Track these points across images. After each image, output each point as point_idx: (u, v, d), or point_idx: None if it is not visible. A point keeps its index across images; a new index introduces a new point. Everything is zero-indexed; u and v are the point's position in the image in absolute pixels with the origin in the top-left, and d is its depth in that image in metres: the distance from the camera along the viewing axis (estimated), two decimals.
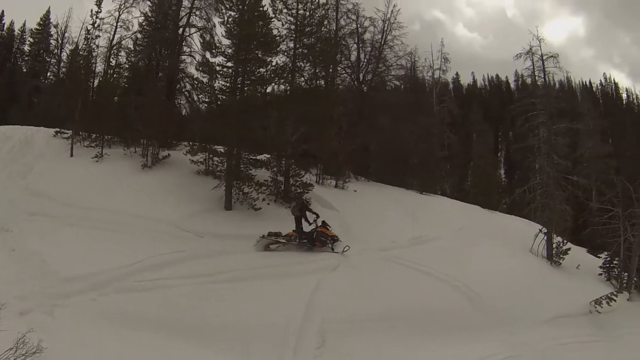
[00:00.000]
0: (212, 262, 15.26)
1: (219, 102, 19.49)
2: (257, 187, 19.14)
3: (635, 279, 21.19)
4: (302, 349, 12.44)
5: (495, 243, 21.10)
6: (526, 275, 18.95)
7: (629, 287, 20.86)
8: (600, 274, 22.20)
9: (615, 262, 22.14)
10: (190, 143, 20.98)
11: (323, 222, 18.29)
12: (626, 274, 21.40)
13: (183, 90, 28.44)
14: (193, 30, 29.11)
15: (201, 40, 24.96)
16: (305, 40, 21.77)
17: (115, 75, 27.25)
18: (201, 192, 18.86)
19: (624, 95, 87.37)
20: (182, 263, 14.86)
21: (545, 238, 21.58)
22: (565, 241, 21.91)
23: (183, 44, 29.29)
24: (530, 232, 22.00)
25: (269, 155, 20.68)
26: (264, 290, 14.19)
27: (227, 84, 19.33)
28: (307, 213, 18.32)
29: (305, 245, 17.71)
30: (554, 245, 21.54)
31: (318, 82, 25.73)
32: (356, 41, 31.65)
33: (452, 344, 14.29)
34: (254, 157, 19.60)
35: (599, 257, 24.26)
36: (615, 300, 18.60)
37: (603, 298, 18.43)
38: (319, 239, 17.82)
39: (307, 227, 18.02)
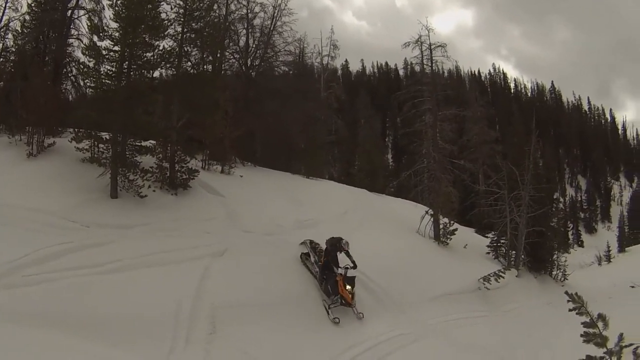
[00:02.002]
0: (100, 252, 14.68)
1: (104, 87, 18.79)
2: (142, 174, 18.59)
3: (522, 256, 22.62)
4: (194, 337, 12.37)
5: (382, 225, 21.80)
6: (414, 256, 19.74)
7: (516, 264, 22.26)
8: (488, 253, 23.58)
9: (502, 241, 23.50)
10: (76, 130, 20.16)
11: (349, 278, 15.44)
12: (513, 252, 22.77)
13: (69, 75, 27.20)
14: (82, 12, 27.82)
15: (88, 23, 23.86)
16: (193, 24, 21.29)
17: (1, 59, 25.75)
18: (87, 180, 18.10)
19: (512, 85, 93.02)
20: (70, 254, 14.21)
21: (432, 220, 22.48)
22: (452, 222, 22.97)
23: (71, 26, 27.99)
24: (417, 214, 22.93)
25: (154, 142, 20.19)
26: (153, 278, 13.91)
27: (113, 69, 18.64)
28: (340, 255, 15.86)
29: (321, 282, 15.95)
30: (441, 226, 22.53)
31: (205, 67, 25.46)
32: (246, 26, 31.29)
33: (344, 325, 14.71)
34: (139, 144, 19.03)
35: (487, 237, 25.66)
36: (503, 277, 19.79)
37: (491, 275, 19.51)
38: (326, 287, 15.56)
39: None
